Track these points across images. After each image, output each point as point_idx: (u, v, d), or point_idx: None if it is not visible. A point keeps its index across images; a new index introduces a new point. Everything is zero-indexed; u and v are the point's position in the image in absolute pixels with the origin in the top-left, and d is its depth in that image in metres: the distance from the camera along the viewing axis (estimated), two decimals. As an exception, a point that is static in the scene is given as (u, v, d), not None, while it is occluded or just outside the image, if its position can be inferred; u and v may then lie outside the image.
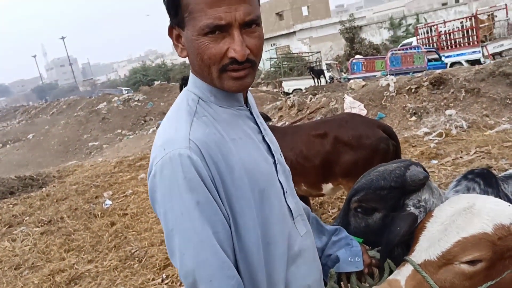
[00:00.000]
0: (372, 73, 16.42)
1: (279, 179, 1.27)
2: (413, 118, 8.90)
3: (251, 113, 1.30)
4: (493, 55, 15.44)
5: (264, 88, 23.34)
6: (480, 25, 16.36)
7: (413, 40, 19.21)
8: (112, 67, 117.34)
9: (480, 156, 6.30)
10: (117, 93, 26.67)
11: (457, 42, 16.65)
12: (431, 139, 7.66)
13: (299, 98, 11.95)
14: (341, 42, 31.70)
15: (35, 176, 10.51)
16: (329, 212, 5.47)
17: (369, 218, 1.56)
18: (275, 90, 22.30)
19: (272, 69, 30.00)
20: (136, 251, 5.38)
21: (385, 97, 9.82)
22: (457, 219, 1.30)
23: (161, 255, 5.02)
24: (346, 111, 9.98)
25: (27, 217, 7.43)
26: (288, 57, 30.75)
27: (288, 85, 20.90)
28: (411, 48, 16.73)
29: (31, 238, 6.31)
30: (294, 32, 35.71)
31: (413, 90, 9.57)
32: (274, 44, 36.69)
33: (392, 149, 3.91)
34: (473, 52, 15.67)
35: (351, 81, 12.62)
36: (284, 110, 11.98)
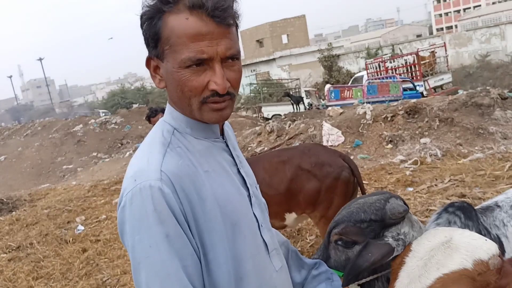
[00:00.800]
0: (350, 101, 16.71)
1: (253, 212, 1.25)
2: (389, 145, 9.04)
3: (227, 145, 1.29)
4: (434, 88, 16.76)
5: (244, 113, 23.46)
6: (422, 61, 17.95)
7: (364, 74, 20.32)
8: (90, 89, 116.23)
9: (454, 184, 6.41)
10: (94, 116, 26.35)
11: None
12: (406, 167, 7.78)
13: (278, 124, 12.03)
14: (320, 70, 32.32)
15: (5, 200, 10.17)
16: (307, 239, 5.44)
17: (349, 251, 1.54)
18: (254, 115, 22.44)
19: (252, 94, 30.25)
20: (108, 279, 5.22)
21: (362, 124, 9.98)
22: (436, 254, 1.29)
23: (133, 284, 4.86)
24: (324, 137, 10.10)
25: (-6, 243, 7.15)
26: (268, 83, 31.12)
27: (268, 110, 21.05)
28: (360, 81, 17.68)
29: (-3, 265, 6.05)
30: (274, 59, 36.24)
31: (389, 118, 9.76)
32: (254, 70, 37.11)
33: (353, 178, 3.92)
34: (417, 85, 16.97)
35: (329, 108, 12.80)
36: (263, 135, 12.02)
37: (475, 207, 1.87)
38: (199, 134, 1.21)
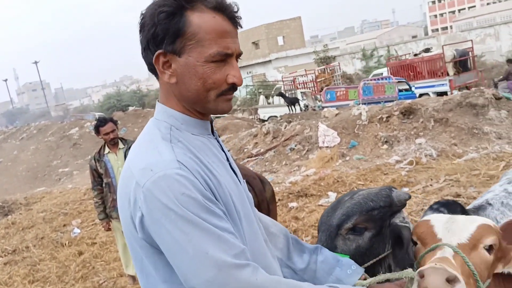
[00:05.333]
0: (345, 102, 16.75)
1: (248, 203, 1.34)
2: (385, 146, 9.08)
3: (218, 142, 1.35)
4: (320, 100, 19.28)
5: (240, 115, 23.43)
6: (321, 78, 22.10)
7: (281, 86, 22.99)
8: (86, 92, 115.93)
9: (449, 184, 6.44)
10: (90, 118, 26.26)
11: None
12: (402, 167, 7.81)
13: (274, 125, 12.05)
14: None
15: (0, 203, 10.14)
16: (303, 239, 5.45)
17: (360, 239, 1.62)
18: (250, 117, 22.42)
19: (248, 96, 30.23)
20: (104, 281, 5.22)
21: (357, 125, 10.01)
22: (458, 219, 1.40)
23: (130, 286, 4.87)
24: (320, 138, 10.12)
25: (-10, 247, 7.12)
26: (264, 85, 31.10)
27: (264, 112, 21.04)
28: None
29: (-7, 269, 6.03)
30: (269, 61, 36.25)
31: (384, 119, 9.80)
32: (250, 72, 37.08)
33: (254, 201, 3.58)
34: (316, 98, 20.03)
35: (325, 109, 12.84)
36: (259, 137, 12.04)
37: (467, 207, 1.90)
38: (194, 131, 1.26)
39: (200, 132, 1.28)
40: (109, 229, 5.00)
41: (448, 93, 15.76)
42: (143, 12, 1.21)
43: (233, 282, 1.07)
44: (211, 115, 1.34)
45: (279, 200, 6.96)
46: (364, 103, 13.71)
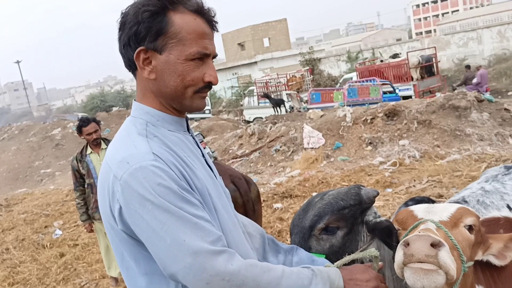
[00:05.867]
0: (330, 103, 16.84)
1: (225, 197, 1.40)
2: (369, 147, 9.15)
3: (194, 139, 1.42)
4: (305, 102, 19.99)
5: (225, 116, 23.41)
6: (293, 82, 23.38)
7: (254, 89, 23.72)
8: (69, 92, 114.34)
9: (432, 185, 6.52)
10: (73, 119, 25.90)
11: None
12: (386, 168, 7.88)
13: (259, 126, 12.06)
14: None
15: (-20, 205, 9.93)
16: (287, 240, 5.46)
17: (333, 238, 1.65)
18: (236, 118, 22.41)
19: (233, 97, 30.21)
20: (86, 283, 5.16)
21: (342, 127, 10.07)
22: (437, 205, 1.45)
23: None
24: (305, 140, 10.15)
25: (-31, 249, 6.97)
26: (250, 86, 31.08)
27: (249, 113, 21.03)
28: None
29: (-29, 271, 5.90)
30: (255, 62, 36.27)
31: (368, 121, 9.88)
32: (236, 73, 37.06)
33: (239, 201, 3.59)
34: (301, 99, 20.66)
35: (310, 111, 12.89)
36: (244, 138, 12.03)
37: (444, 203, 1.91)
38: (170, 127, 1.32)
39: (176, 129, 1.33)
40: (91, 231, 4.93)
41: (413, 96, 16.32)
42: (124, 11, 1.27)
43: (210, 268, 1.11)
44: (189, 114, 1.41)
45: (264, 201, 6.96)
46: (349, 105, 13.81)
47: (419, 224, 1.34)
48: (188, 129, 1.41)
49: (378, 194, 1.71)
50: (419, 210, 1.44)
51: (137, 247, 1.20)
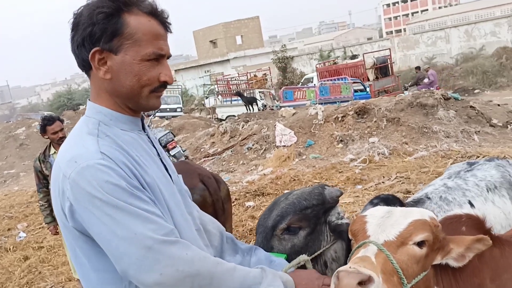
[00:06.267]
0: (303, 101, 16.95)
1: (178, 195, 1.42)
2: (340, 145, 9.24)
3: (149, 138, 1.43)
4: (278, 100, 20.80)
5: (197, 115, 23.24)
6: (257, 80, 24.26)
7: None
8: (35, 90, 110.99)
9: (400, 181, 6.63)
10: (38, 118, 25.18)
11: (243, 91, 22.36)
12: (356, 165, 7.97)
13: (232, 124, 12.01)
14: (274, 71, 32.59)
15: None
16: (257, 239, 5.44)
17: (295, 238, 1.66)
18: (208, 116, 22.27)
19: (205, 95, 30.02)
20: (51, 287, 5.02)
21: (314, 125, 10.14)
22: (394, 214, 1.42)
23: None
24: (277, 138, 10.17)
25: None
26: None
27: (222, 111, 20.95)
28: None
29: None
30: (228, 60, 36.18)
31: (339, 119, 9.98)
32: (208, 71, 36.85)
33: (209, 200, 3.55)
34: (274, 97, 21.15)
35: (282, 109, 12.92)
36: (216, 136, 11.96)
37: (407, 200, 1.92)
38: (124, 126, 1.34)
39: (130, 128, 1.35)
40: (56, 233, 4.79)
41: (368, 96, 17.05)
42: (77, 11, 1.28)
43: (164, 258, 1.13)
44: (160, 113, 1.38)
45: (235, 199, 6.93)
46: (321, 103, 13.93)
47: (364, 244, 1.36)
48: (144, 129, 1.42)
49: (341, 194, 1.72)
50: (372, 222, 1.43)
51: (89, 243, 1.21)
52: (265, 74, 25.88)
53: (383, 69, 19.17)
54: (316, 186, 1.76)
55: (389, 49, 22.05)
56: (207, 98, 26.08)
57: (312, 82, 21.07)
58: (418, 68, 19.08)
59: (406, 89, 17.26)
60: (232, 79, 24.99)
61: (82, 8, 1.28)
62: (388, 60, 19.89)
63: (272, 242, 1.68)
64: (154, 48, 1.28)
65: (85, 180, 1.15)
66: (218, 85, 24.12)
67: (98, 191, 1.14)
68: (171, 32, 1.38)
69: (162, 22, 1.34)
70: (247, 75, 25.26)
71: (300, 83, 22.37)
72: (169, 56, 1.35)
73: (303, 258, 1.51)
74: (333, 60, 23.99)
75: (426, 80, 17.11)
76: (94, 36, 1.25)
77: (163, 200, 1.29)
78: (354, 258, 1.31)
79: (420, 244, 1.35)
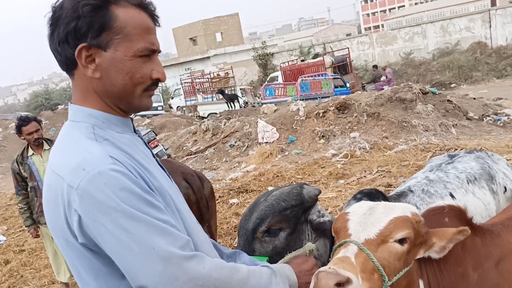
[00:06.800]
0: (284, 98, 17.00)
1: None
2: (322, 140, 9.32)
3: (142, 139, 1.36)
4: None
5: (179, 113, 23.08)
6: (220, 79, 24.20)
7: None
8: (11, 90, 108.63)
9: (381, 175, 6.73)
10: (15, 119, 24.64)
11: (205, 89, 23.62)
12: (338, 160, 8.05)
13: (214, 122, 11.98)
14: (255, 68, 32.57)
15: None
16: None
17: (276, 239, 1.64)
18: (190, 114, 22.15)
19: (171, 96, 29.81)
20: (34, 290, 4.92)
21: (295, 121, 10.19)
22: (376, 211, 1.44)
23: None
24: (259, 134, 10.19)
25: None
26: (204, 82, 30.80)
27: (203, 109, 20.86)
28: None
29: None
30: (208, 57, 36.00)
31: (321, 115, 10.06)
32: (188, 69, 36.59)
33: (193, 198, 3.56)
34: (213, 96, 22.05)
35: (264, 106, 12.94)
36: (198, 134, 11.92)
37: (390, 193, 1.96)
38: (118, 129, 1.24)
39: (123, 130, 1.26)
40: (37, 236, 4.71)
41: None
42: (57, 4, 1.17)
43: (182, 274, 1.06)
44: (134, 113, 1.33)
45: (219, 197, 6.93)
46: (302, 99, 14.00)
47: (345, 243, 1.37)
48: (135, 130, 1.34)
49: (320, 192, 1.71)
50: (354, 219, 1.44)
51: (96, 262, 1.11)
52: (227, 73, 26.12)
53: (342, 67, 20.10)
54: (294, 186, 1.75)
55: (348, 48, 23.31)
56: (172, 98, 26.43)
57: (277, 80, 21.80)
58: (375, 66, 20.01)
59: (364, 87, 18.63)
60: (195, 79, 25.16)
61: (62, 0, 1.16)
62: (347, 58, 21.02)
63: (254, 245, 1.67)
64: (146, 43, 1.20)
65: (97, 189, 1.05)
66: (183, 86, 24.31)
67: (113, 201, 1.04)
68: (159, 25, 1.29)
69: (151, 15, 1.25)
70: (210, 74, 25.54)
71: (266, 81, 22.92)
72: (159, 52, 1.27)
73: (309, 246, 1.51)
74: (296, 59, 24.79)
75: (383, 78, 17.83)
76: (79, 31, 1.14)
77: (173, 204, 1.22)
78: (334, 258, 1.33)
79: (401, 241, 1.37)
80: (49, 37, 1.20)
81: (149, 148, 1.35)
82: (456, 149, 7.15)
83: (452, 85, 20.36)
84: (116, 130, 1.23)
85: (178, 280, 1.05)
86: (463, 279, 1.55)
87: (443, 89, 18.02)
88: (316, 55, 23.81)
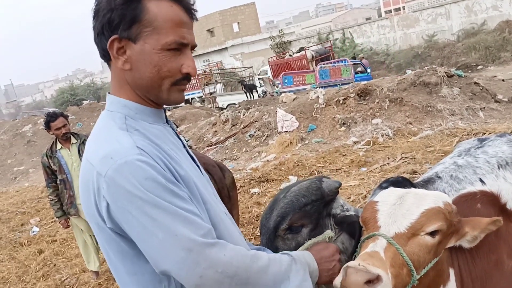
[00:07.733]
0: (303, 86, 16.91)
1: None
2: (343, 128, 9.25)
3: (173, 129, 1.38)
4: (210, 93, 23.57)
5: (198, 104, 23.23)
6: (203, 75, 25.52)
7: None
8: (38, 87, 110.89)
9: (405, 161, 6.65)
10: (43, 115, 25.18)
11: (193, 85, 24.49)
12: (360, 148, 7.99)
13: (233, 113, 12.02)
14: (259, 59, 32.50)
15: (-49, 207, 9.64)
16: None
17: (299, 236, 1.61)
18: (209, 105, 22.27)
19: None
20: (66, 278, 5.12)
21: (315, 109, 10.13)
22: (406, 200, 1.39)
23: (93, 282, 4.78)
24: (279, 124, 10.19)
25: None
26: (221, 73, 30.89)
27: (223, 100, 20.96)
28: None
29: None
30: (226, 48, 35.98)
31: (341, 102, 9.96)
32: (207, 60, 36.69)
33: (215, 189, 3.52)
34: (199, 91, 24.29)
35: (283, 94, 12.91)
36: (218, 125, 11.99)
37: (417, 180, 1.94)
38: (150, 120, 1.27)
39: (155, 121, 1.28)
40: (67, 226, 4.89)
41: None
42: None
43: (203, 260, 1.10)
44: (165, 105, 1.33)
45: (240, 186, 6.99)
46: (321, 87, 13.90)
47: (373, 236, 1.33)
48: (167, 121, 1.36)
49: (340, 185, 1.65)
50: (383, 210, 1.40)
51: (124, 245, 1.17)
52: (210, 69, 27.54)
53: (325, 59, 20.82)
54: (313, 180, 1.69)
55: (330, 41, 26.23)
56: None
57: (267, 74, 22.85)
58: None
59: None
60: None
61: None
62: (330, 50, 22.95)
63: (276, 242, 1.64)
64: (175, 36, 1.19)
65: (123, 178, 1.09)
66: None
67: (138, 189, 1.08)
68: (196, 19, 1.28)
69: (187, 8, 1.24)
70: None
71: (257, 76, 23.90)
72: (193, 46, 1.26)
73: (328, 233, 1.51)
74: (283, 53, 26.02)
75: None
76: (112, 23, 1.17)
77: (198, 194, 1.24)
78: (363, 253, 1.29)
79: (432, 233, 1.33)
80: (92, 29, 1.24)
81: (180, 139, 1.37)
82: (484, 133, 7.00)
83: (479, 67, 19.83)
84: (148, 120, 1.26)
85: (199, 266, 1.09)
86: (497, 266, 1.48)
87: (469, 71, 17.58)
88: (300, 49, 24.50)
